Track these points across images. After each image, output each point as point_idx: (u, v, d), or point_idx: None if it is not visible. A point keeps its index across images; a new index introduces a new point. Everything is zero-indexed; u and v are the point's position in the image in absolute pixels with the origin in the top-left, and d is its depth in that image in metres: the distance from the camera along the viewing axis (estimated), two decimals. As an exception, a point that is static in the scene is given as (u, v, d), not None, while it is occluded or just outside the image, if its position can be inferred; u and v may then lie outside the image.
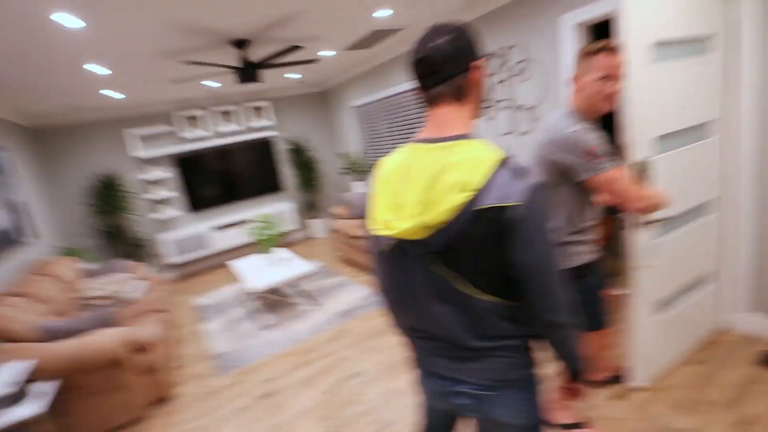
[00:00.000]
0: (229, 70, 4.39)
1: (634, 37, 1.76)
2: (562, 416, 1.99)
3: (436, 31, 0.90)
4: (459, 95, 0.91)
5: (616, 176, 1.52)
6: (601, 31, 4.15)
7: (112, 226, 5.36)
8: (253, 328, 3.79)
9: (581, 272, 1.70)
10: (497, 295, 0.91)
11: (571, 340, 0.96)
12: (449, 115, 0.92)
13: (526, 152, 1.67)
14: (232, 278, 5.58)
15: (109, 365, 2.42)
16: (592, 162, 1.50)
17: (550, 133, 1.60)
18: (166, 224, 5.93)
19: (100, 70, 3.46)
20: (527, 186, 0.84)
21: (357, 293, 4.19)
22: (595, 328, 1.80)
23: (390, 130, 5.56)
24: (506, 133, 3.69)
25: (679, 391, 2.13)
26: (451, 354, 0.98)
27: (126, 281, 3.59)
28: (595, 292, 1.78)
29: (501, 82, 3.61)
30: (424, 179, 0.88)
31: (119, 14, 2.41)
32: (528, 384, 1.01)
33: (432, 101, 0.93)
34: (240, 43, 3.48)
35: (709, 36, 2.12)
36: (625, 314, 2.18)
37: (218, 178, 6.15)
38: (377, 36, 4.13)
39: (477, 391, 0.98)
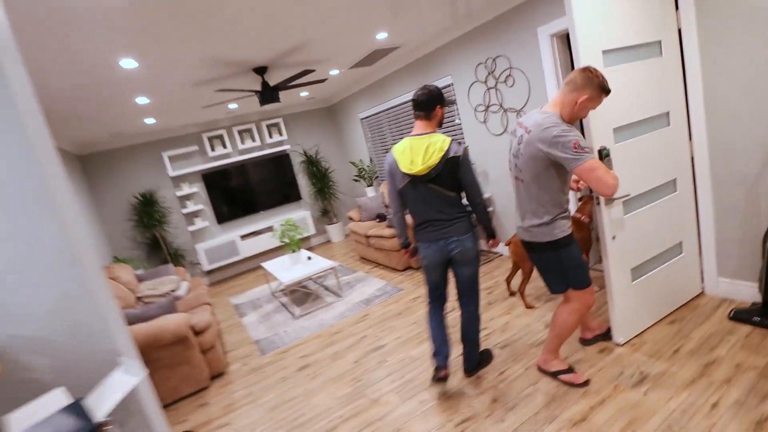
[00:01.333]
0: (252, 93, 4.96)
1: (583, 48, 2.20)
2: (553, 365, 2.39)
3: (423, 88, 2.23)
4: (429, 118, 2.25)
5: (595, 165, 1.86)
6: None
7: (152, 238, 5.95)
8: (285, 318, 4.29)
9: (568, 241, 2.10)
10: (457, 192, 2.25)
11: (486, 212, 2.31)
12: (425, 125, 2.27)
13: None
14: (260, 281, 6.10)
15: (177, 342, 2.92)
16: (580, 153, 1.85)
17: (540, 133, 1.93)
18: (199, 235, 6.51)
19: (143, 101, 4.03)
20: (463, 149, 2.20)
21: (374, 285, 4.66)
22: (584, 286, 2.18)
23: (393, 136, 6.05)
24: (500, 134, 4.14)
25: (655, 345, 2.49)
26: (444, 225, 2.26)
27: (174, 282, 4.11)
28: (580, 257, 2.16)
29: (490, 89, 4.08)
30: (422, 149, 2.17)
31: (165, 54, 2.93)
32: (474, 233, 2.32)
33: (417, 117, 2.28)
34: (260, 70, 4.01)
35: (656, 42, 2.51)
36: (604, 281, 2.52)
37: (241, 191, 6.72)
38: (377, 55, 4.64)
39: (458, 237, 2.26)
